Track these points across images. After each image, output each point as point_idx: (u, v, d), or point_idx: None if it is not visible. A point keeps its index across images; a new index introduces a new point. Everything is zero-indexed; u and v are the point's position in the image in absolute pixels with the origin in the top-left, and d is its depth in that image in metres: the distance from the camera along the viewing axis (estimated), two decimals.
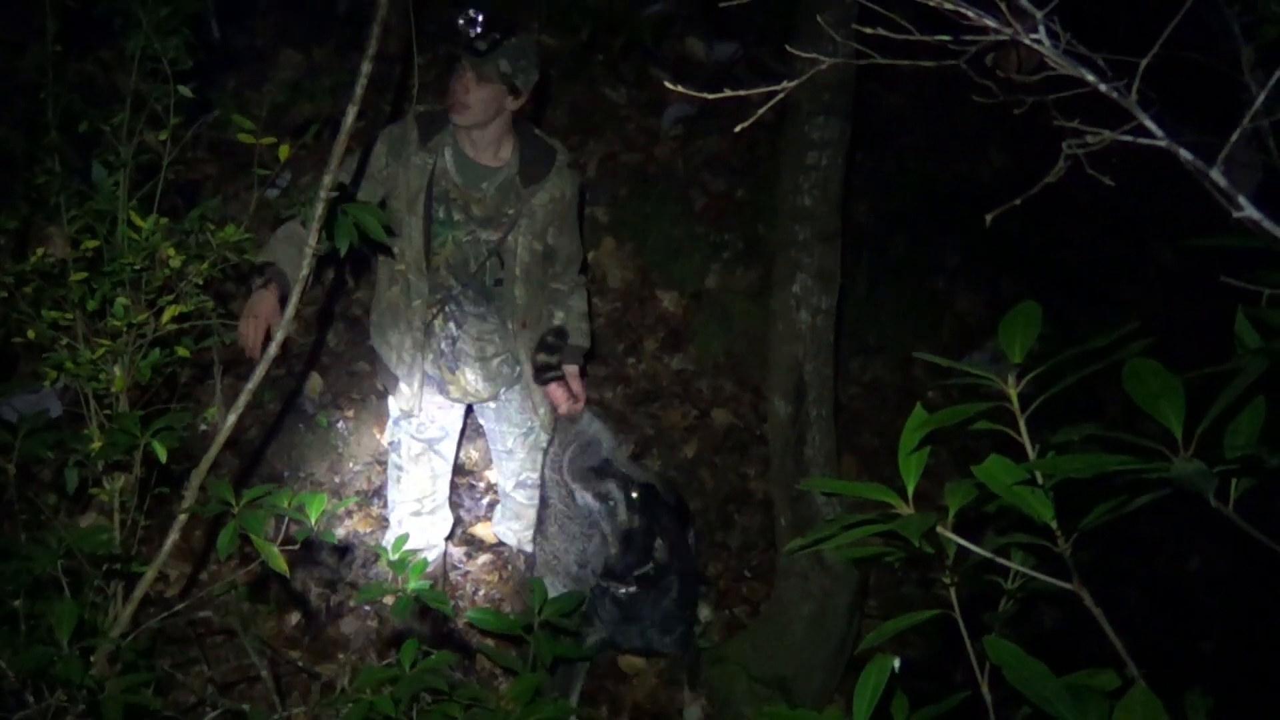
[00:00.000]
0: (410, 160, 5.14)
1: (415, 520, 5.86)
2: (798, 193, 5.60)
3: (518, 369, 5.63)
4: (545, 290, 5.57)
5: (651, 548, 5.44)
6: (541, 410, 5.73)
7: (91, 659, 3.43)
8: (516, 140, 5.28)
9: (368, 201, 4.93)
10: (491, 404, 5.73)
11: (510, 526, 6.22)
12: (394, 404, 5.66)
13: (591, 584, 5.54)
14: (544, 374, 5.58)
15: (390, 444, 5.80)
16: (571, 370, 5.67)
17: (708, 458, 7.20)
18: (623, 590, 5.45)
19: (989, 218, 2.16)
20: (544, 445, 5.85)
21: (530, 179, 5.28)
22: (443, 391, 5.57)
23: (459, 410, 5.75)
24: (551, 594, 5.34)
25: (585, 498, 5.37)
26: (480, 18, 4.92)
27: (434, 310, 5.38)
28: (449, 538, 6.17)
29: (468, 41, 4.95)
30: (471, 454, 6.89)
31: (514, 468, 5.94)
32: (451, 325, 5.44)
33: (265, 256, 4.93)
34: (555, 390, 5.62)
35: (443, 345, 5.46)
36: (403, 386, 5.51)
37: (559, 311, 5.62)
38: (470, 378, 5.54)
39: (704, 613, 6.40)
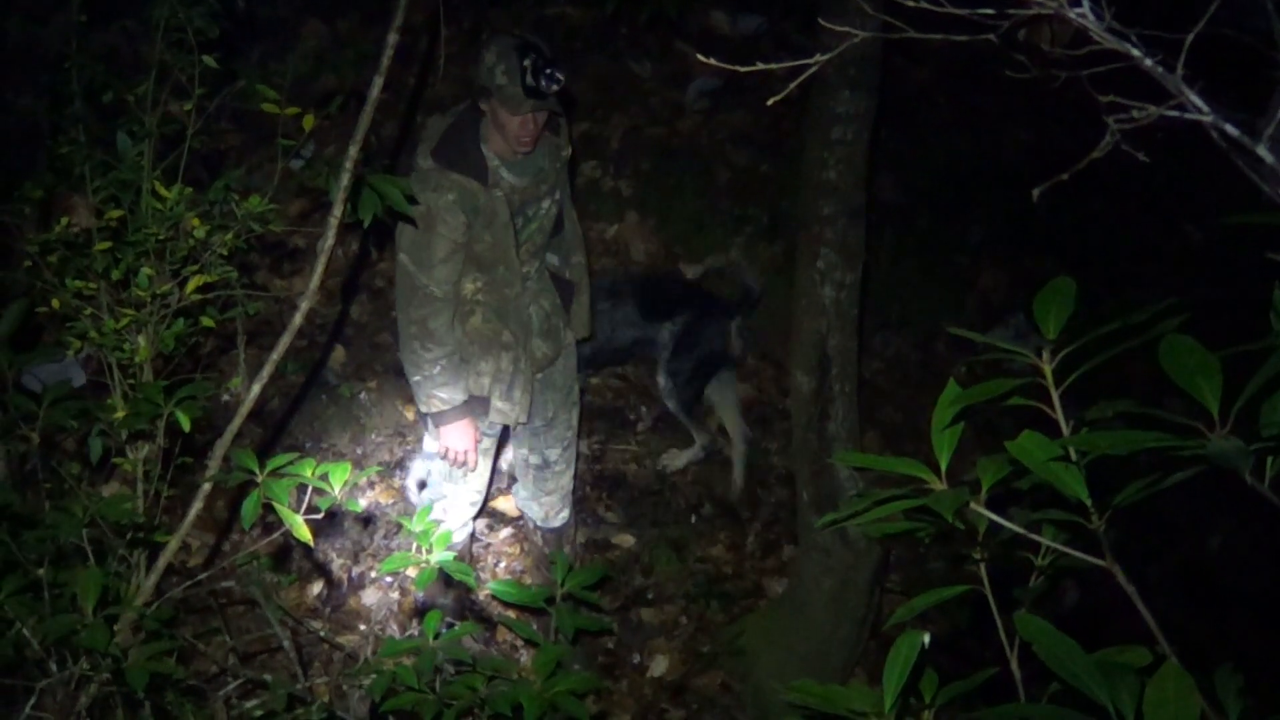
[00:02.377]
0: (488, 205, 5.11)
1: (470, 510, 5.87)
2: (823, 167, 5.58)
3: (562, 324, 5.69)
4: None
5: None
6: (589, 323, 5.89)
7: (115, 628, 3.44)
8: None
9: (460, 269, 5.15)
10: (541, 373, 5.72)
11: (540, 500, 6.17)
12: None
13: None
14: None
15: None
16: None
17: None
18: None
19: (1035, 193, 2.15)
20: (578, 403, 5.99)
21: (553, 127, 5.34)
22: None
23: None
24: None
25: None
26: (560, 74, 4.92)
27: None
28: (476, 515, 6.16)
29: (543, 91, 4.93)
30: None
31: (555, 434, 5.93)
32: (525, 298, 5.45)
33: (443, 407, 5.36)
34: None
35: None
36: (499, 405, 5.46)
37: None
38: (539, 343, 5.56)
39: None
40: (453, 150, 5.14)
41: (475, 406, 5.44)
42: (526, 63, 4.87)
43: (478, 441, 5.51)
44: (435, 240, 5.04)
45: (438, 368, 5.23)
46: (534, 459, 6.02)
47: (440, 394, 5.29)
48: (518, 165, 5.19)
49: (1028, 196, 2.23)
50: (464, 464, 5.53)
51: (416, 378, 5.29)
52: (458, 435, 5.43)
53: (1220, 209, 2.36)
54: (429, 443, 5.74)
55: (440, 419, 5.39)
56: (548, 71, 4.87)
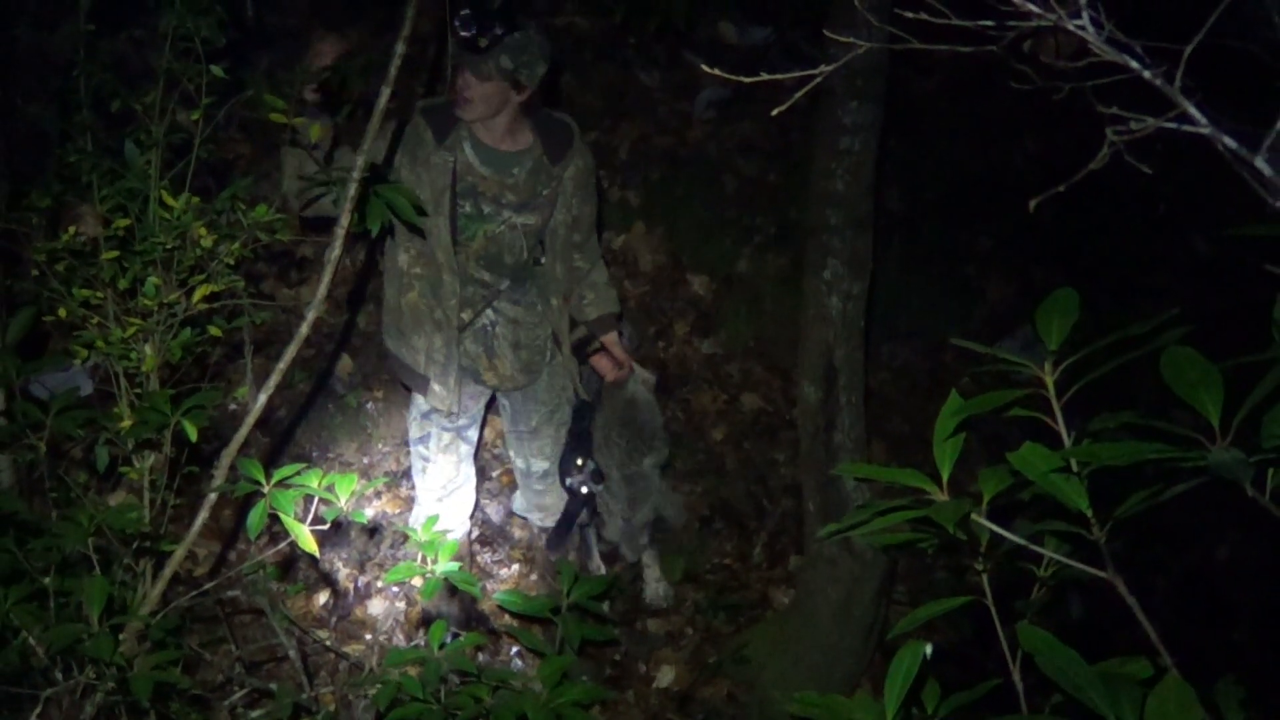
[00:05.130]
0: (429, 160, 5.14)
1: (439, 505, 5.85)
2: (830, 177, 5.58)
3: (548, 354, 5.64)
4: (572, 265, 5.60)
5: None
6: (576, 384, 5.81)
7: (121, 636, 3.44)
8: (531, 122, 5.28)
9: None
10: (519, 390, 5.72)
11: (533, 504, 6.19)
12: (421, 400, 5.63)
13: None
14: (584, 349, 5.66)
15: (419, 438, 5.75)
16: (610, 339, 5.78)
17: (737, 442, 7.20)
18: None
19: (1033, 204, 2.15)
20: (567, 421, 5.94)
21: (556, 156, 5.31)
22: (477, 380, 5.58)
23: (487, 395, 5.75)
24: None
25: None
26: (473, 18, 4.91)
27: (468, 305, 5.39)
28: (470, 516, 6.16)
29: (465, 41, 4.94)
30: (491, 433, 6.87)
31: (538, 445, 5.93)
32: (489, 313, 5.46)
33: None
34: (600, 361, 5.80)
35: (478, 336, 5.46)
36: (436, 388, 5.47)
37: (587, 292, 5.67)
38: (506, 365, 5.55)
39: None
40: (439, 105, 5.28)
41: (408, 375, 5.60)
42: (458, 20, 4.96)
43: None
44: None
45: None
46: (519, 463, 6.08)
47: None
48: (490, 154, 5.23)
49: (1035, 207, 2.23)
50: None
51: None
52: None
53: (1227, 220, 2.36)
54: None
55: None
56: (461, 15, 4.94)
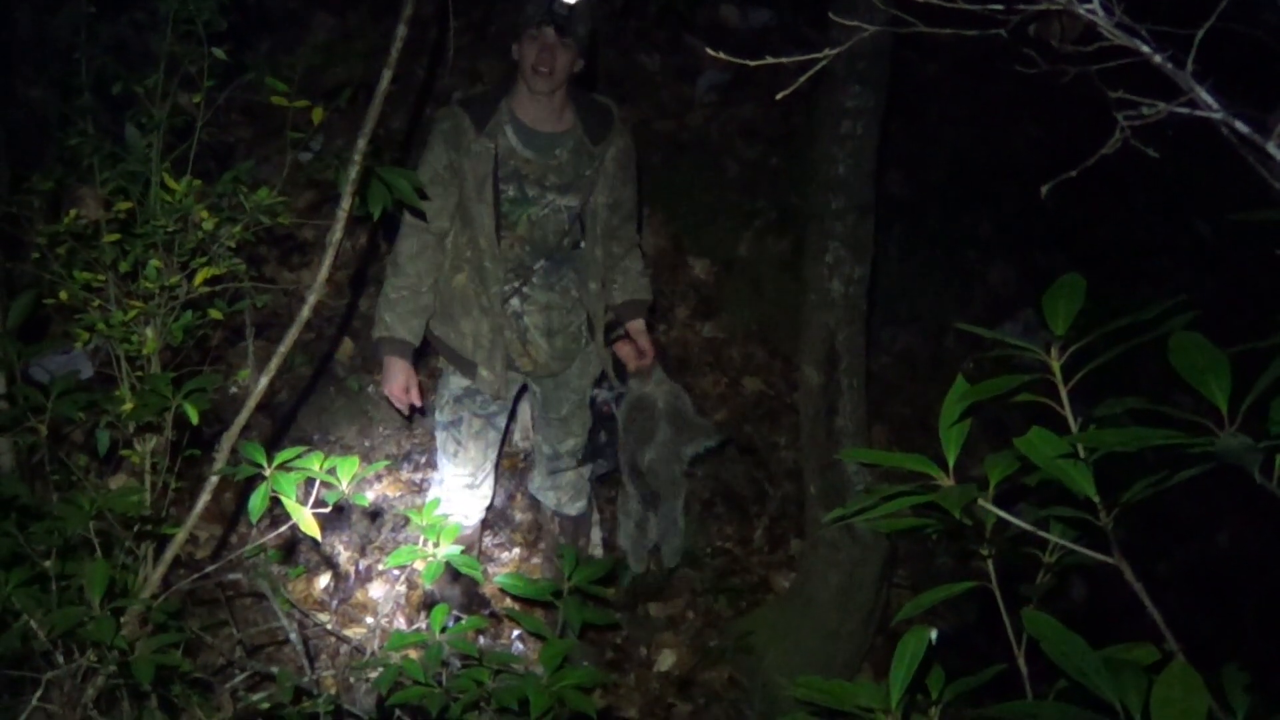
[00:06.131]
0: (470, 149, 5.13)
1: (466, 493, 5.84)
2: (831, 161, 5.58)
3: (583, 340, 5.64)
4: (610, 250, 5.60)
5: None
6: (609, 371, 5.80)
7: (122, 620, 3.44)
8: (572, 102, 5.28)
9: (442, 204, 5.16)
10: (550, 377, 5.72)
11: (552, 489, 6.17)
12: (455, 382, 5.61)
13: None
14: (609, 335, 5.69)
15: (450, 422, 5.70)
16: (636, 327, 5.77)
17: (738, 425, 7.19)
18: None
19: (1044, 190, 2.14)
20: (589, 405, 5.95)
21: (598, 137, 5.30)
22: (512, 367, 5.54)
23: (520, 382, 5.75)
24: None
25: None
26: None
27: (507, 290, 5.38)
28: (489, 506, 6.15)
29: (556, 6, 4.94)
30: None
31: (570, 428, 5.92)
32: (515, 301, 5.43)
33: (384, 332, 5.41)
34: (622, 348, 5.79)
35: (510, 323, 5.43)
36: (484, 373, 5.45)
37: (618, 277, 5.68)
38: (541, 352, 5.52)
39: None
40: (476, 95, 5.29)
41: (458, 363, 5.54)
42: None
43: (407, 389, 5.48)
44: (421, 166, 5.20)
45: (396, 295, 5.36)
46: (546, 449, 6.03)
47: (387, 317, 5.39)
48: (532, 136, 5.20)
49: (1037, 192, 2.22)
50: (400, 404, 5.55)
51: (379, 299, 5.43)
52: (389, 370, 5.48)
53: (1231, 205, 2.36)
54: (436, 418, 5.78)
55: (379, 346, 5.47)
56: None
